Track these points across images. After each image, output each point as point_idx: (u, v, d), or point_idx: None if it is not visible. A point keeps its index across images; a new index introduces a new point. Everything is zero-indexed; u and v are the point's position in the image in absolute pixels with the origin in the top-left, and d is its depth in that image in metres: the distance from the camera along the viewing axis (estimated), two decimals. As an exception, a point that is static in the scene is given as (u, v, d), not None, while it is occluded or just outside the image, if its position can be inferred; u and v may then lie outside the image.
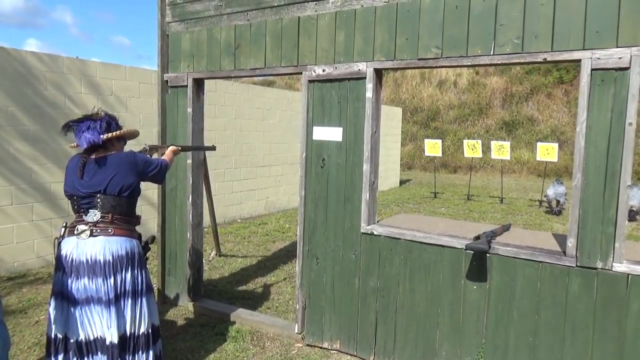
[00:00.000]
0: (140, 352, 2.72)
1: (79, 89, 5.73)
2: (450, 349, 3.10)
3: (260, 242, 6.85)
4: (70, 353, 2.61)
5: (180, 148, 3.40)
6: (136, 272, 2.71)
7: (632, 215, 9.18)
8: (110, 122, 2.78)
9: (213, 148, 4.02)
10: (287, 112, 9.46)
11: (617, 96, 2.54)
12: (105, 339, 2.60)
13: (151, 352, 2.78)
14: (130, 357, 2.69)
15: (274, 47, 3.63)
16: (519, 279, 2.86)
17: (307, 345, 3.61)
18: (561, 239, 3.07)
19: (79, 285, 2.57)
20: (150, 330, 2.77)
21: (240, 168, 8.43)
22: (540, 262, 2.79)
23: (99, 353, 2.62)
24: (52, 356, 2.61)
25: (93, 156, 2.68)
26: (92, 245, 2.58)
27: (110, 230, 2.63)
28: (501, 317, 2.92)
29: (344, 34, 3.32)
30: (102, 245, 2.59)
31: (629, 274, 2.56)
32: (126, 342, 2.66)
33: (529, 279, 2.83)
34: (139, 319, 2.72)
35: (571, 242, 2.69)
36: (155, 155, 3.22)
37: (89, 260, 2.57)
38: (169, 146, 3.34)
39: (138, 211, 2.89)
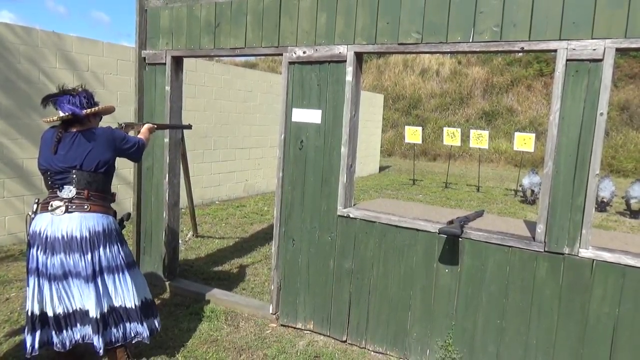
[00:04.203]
0: (131, 325, 2.74)
1: (54, 64, 5.58)
2: (421, 330, 3.17)
3: (237, 224, 6.84)
4: (48, 328, 2.61)
5: (156, 126, 3.37)
6: (115, 247, 2.71)
7: (602, 206, 9.43)
8: (88, 98, 2.74)
9: (189, 127, 3.98)
10: (269, 95, 9.38)
11: (590, 87, 2.60)
12: (86, 311, 2.61)
13: (145, 325, 2.80)
14: (122, 331, 2.71)
15: (254, 27, 3.59)
16: (490, 263, 2.93)
17: (282, 325, 3.65)
18: (531, 226, 3.15)
19: (54, 261, 2.55)
20: (141, 304, 2.79)
21: (220, 149, 8.36)
22: (510, 246, 2.86)
23: (78, 324, 2.64)
24: (30, 333, 2.59)
25: (73, 129, 2.64)
26: (67, 222, 2.55)
27: (86, 207, 2.60)
28: (471, 300, 3.00)
29: (326, 16, 3.30)
30: (78, 221, 2.57)
31: (594, 260, 2.65)
32: (113, 317, 2.68)
33: (498, 263, 2.90)
34: (127, 293, 2.72)
35: (540, 228, 2.76)
36: (131, 133, 3.18)
37: (65, 237, 2.54)
38: (144, 124, 3.30)
39: (113, 190, 2.86)
